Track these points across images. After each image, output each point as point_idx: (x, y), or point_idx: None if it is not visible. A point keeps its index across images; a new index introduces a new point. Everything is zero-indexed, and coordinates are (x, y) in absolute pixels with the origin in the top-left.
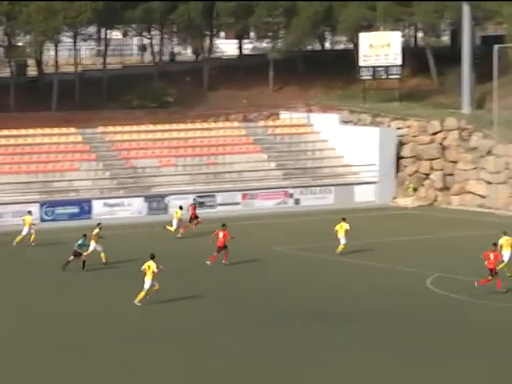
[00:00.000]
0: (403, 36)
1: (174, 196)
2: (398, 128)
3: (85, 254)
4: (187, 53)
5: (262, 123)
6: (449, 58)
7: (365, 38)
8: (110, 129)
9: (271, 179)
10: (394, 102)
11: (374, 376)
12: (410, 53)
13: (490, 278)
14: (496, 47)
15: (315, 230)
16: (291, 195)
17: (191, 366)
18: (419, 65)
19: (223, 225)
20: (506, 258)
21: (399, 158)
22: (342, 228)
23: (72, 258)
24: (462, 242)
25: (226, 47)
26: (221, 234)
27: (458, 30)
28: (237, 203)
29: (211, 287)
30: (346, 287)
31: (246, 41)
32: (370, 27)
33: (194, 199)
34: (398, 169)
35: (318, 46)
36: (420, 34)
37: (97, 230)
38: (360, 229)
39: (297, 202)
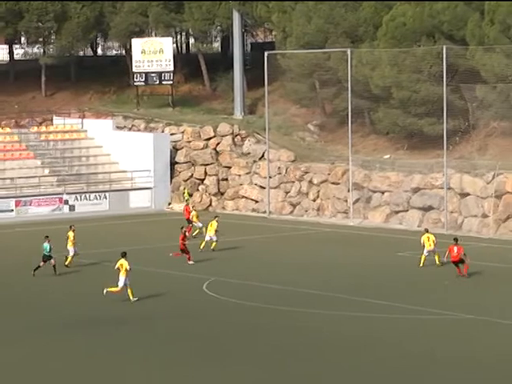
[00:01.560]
0: (175, 42)
1: None
2: (172, 133)
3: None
4: None
5: (34, 129)
6: (220, 64)
7: (137, 44)
8: None
9: (45, 186)
10: (168, 107)
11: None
12: (183, 59)
13: (458, 268)
14: (266, 53)
15: (90, 236)
16: (66, 201)
17: None
18: (192, 71)
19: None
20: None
21: (174, 163)
22: (212, 226)
23: (42, 263)
24: (236, 246)
25: None
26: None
27: (228, 37)
28: (10, 210)
29: None
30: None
31: (16, 46)
32: (141, 33)
33: (187, 200)
34: (172, 174)
35: (90, 52)
36: (192, 41)
37: (72, 233)
38: (136, 235)
39: (72, 208)
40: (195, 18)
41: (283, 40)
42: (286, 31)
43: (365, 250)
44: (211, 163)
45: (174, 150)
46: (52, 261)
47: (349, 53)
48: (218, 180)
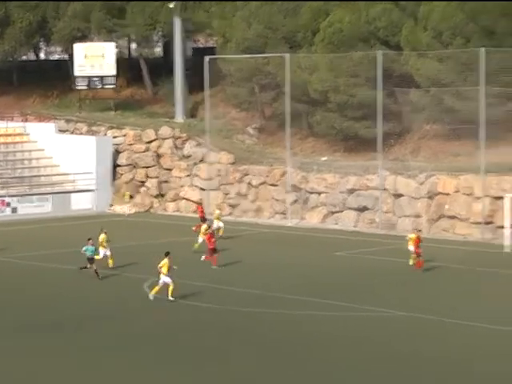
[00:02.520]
0: (117, 47)
1: None
2: (114, 137)
3: (96, 258)
4: None
5: None
6: (162, 68)
7: (79, 49)
8: None
9: None
10: (110, 111)
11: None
12: (125, 63)
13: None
14: (207, 58)
15: (33, 238)
16: (8, 204)
17: None
18: (134, 75)
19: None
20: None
21: (116, 165)
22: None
23: (89, 265)
24: (177, 247)
25: None
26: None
27: (170, 42)
28: None
29: None
30: (65, 295)
31: None
32: (84, 38)
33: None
34: (114, 176)
35: (32, 56)
36: (134, 46)
37: (103, 236)
38: (78, 236)
39: (14, 210)
40: (137, 24)
41: (224, 45)
42: (226, 36)
43: (303, 250)
44: (152, 166)
45: (116, 152)
46: (93, 265)
47: (287, 58)
48: (159, 182)
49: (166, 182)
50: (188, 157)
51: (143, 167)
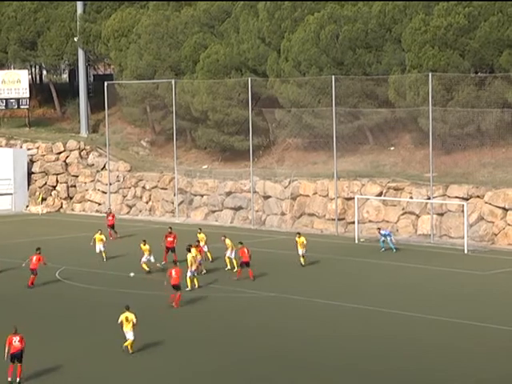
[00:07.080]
0: (30, 74)
1: None
2: (29, 149)
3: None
4: None
5: None
6: (68, 92)
7: None
8: None
9: None
10: (25, 127)
11: None
12: (37, 87)
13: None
14: (106, 83)
15: None
16: None
17: None
18: (45, 97)
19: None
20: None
21: (30, 173)
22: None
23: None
24: (83, 241)
25: None
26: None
27: (75, 70)
28: None
29: None
30: None
31: None
32: (2, 66)
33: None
34: (29, 182)
35: None
36: (44, 73)
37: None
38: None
39: None
40: (47, 54)
41: (120, 72)
42: (122, 65)
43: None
44: (62, 173)
45: (31, 162)
46: None
47: (173, 83)
48: (68, 186)
49: (73, 186)
50: (92, 165)
51: (54, 174)
